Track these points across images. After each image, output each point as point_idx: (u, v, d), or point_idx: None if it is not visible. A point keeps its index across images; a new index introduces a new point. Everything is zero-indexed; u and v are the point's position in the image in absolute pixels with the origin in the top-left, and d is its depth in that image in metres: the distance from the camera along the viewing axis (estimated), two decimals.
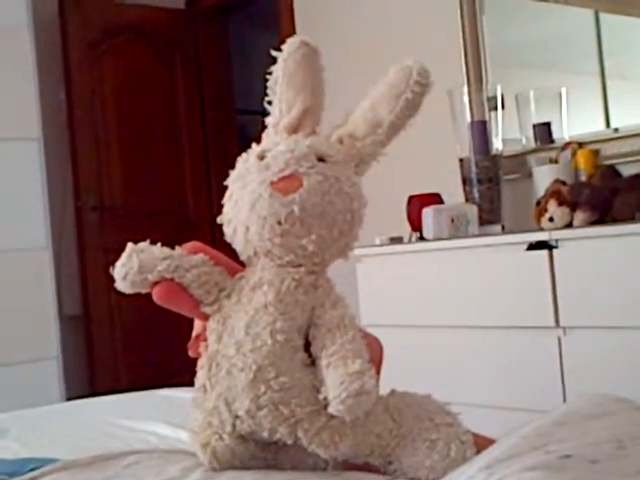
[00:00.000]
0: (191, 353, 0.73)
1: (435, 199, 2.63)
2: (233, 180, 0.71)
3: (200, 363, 0.71)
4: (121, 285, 0.72)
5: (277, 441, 0.68)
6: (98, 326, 4.27)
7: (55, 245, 3.97)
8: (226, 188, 0.72)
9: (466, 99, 2.68)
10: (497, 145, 2.65)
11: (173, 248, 0.74)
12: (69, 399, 3.50)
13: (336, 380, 0.63)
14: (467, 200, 2.60)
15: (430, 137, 2.81)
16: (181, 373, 3.49)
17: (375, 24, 3.31)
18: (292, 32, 3.71)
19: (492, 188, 2.58)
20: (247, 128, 4.88)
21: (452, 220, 2.42)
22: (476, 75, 2.86)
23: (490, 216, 2.56)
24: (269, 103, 0.72)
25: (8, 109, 3.75)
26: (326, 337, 0.66)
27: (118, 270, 0.71)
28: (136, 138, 4.48)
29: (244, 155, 0.71)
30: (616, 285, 1.92)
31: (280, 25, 3.81)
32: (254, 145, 0.72)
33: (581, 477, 0.44)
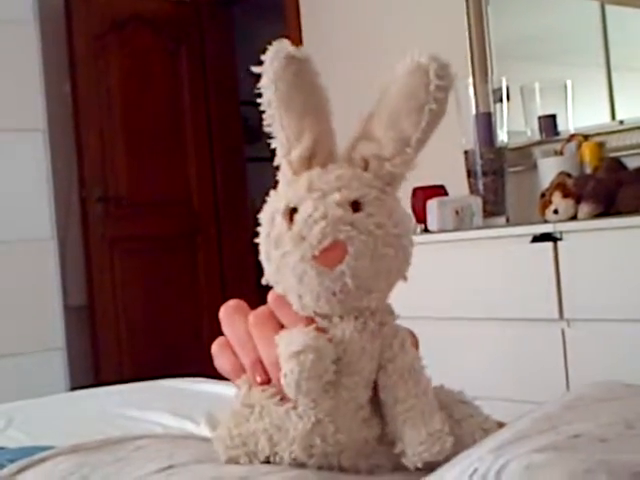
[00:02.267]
0: (255, 379, 0.64)
1: (439, 191, 2.62)
2: (264, 241, 0.63)
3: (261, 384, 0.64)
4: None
5: None
6: (103, 317, 4.28)
7: (60, 236, 3.97)
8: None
9: (471, 91, 2.67)
10: (502, 137, 2.64)
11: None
12: (73, 389, 3.51)
13: (416, 439, 0.61)
14: (472, 192, 2.59)
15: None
16: (185, 364, 3.49)
17: (381, 15, 3.30)
18: (298, 23, 3.71)
19: (497, 180, 2.57)
20: (252, 119, 4.87)
21: (456, 212, 2.42)
22: (481, 67, 2.86)
23: (495, 208, 2.55)
24: (268, 126, 0.62)
25: (14, 100, 3.75)
26: (398, 386, 0.62)
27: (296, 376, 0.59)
28: (141, 129, 4.48)
29: (267, 210, 0.62)
30: (620, 278, 1.91)
31: (286, 16, 3.81)
32: (272, 194, 0.63)
33: (591, 455, 0.44)
